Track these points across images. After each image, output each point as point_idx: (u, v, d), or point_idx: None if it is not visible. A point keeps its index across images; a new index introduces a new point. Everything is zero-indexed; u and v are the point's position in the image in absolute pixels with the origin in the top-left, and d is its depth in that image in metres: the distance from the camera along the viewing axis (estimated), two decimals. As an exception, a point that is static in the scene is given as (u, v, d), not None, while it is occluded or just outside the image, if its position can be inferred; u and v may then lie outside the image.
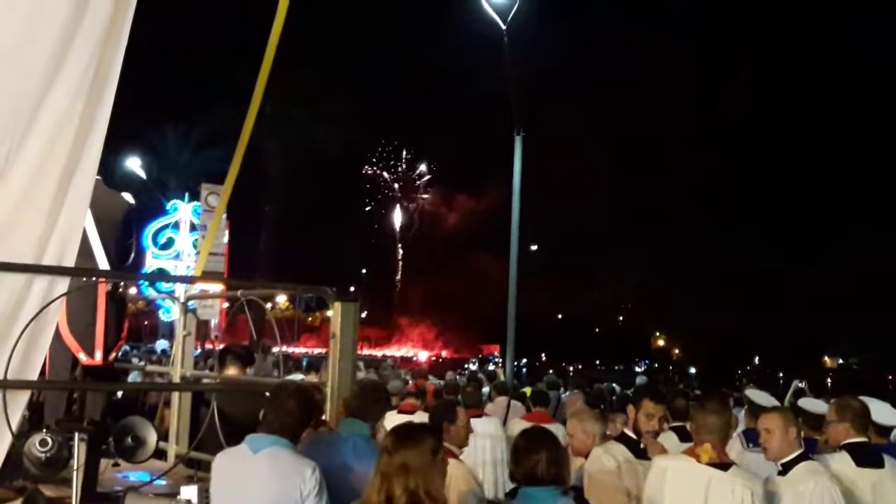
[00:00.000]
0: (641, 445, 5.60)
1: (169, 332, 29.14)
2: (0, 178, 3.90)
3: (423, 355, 51.79)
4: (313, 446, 4.33)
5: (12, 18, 3.90)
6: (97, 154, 4.23)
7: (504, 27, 19.57)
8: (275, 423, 3.95)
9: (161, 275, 26.20)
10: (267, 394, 5.36)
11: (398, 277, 63.57)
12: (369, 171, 60.12)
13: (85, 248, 4.80)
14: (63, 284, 4.11)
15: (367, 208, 60.79)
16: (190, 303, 6.38)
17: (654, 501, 4.87)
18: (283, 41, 6.18)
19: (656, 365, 63.94)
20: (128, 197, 5.83)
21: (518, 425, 7.98)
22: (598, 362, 59.82)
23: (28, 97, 3.95)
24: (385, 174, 61.54)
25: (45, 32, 3.98)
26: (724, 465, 4.74)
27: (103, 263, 5.24)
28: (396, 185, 62.38)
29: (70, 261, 4.19)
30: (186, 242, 29.06)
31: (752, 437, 6.50)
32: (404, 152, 61.48)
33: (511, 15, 19.50)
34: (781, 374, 41.46)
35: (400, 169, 62.01)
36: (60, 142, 4.04)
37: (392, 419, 5.17)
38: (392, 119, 55.64)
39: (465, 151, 54.11)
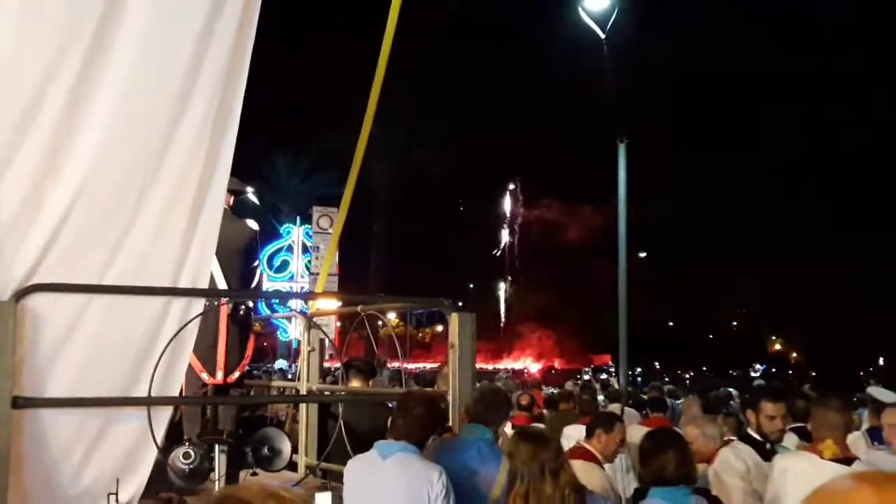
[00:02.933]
0: (768, 447, 5.52)
1: (287, 351, 29.91)
2: (137, 210, 4.17)
3: (533, 367, 51.55)
4: (439, 452, 4.43)
5: (137, 66, 4.15)
6: (224, 184, 4.48)
7: (603, 36, 19.47)
8: (403, 429, 4.05)
9: (283, 292, 26.90)
10: (390, 404, 5.52)
11: (506, 290, 63.51)
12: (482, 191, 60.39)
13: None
14: (198, 306, 4.36)
15: (473, 222, 60.89)
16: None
17: (779, 498, 4.82)
18: (390, 64, 6.35)
19: (773, 370, 61.98)
20: (252, 224, 6.05)
21: (636, 431, 7.94)
22: (704, 368, 58.23)
23: (159, 133, 4.22)
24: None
25: (173, 68, 4.23)
26: (847, 460, 4.67)
27: (222, 286, 5.46)
28: (504, 200, 62.48)
29: (203, 283, 4.44)
30: (300, 264, 29.88)
31: (876, 436, 6.34)
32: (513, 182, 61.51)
33: (610, 23, 19.39)
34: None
35: (507, 186, 62.10)
36: (191, 174, 4.29)
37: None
38: (495, 135, 55.82)
39: (571, 161, 53.84)
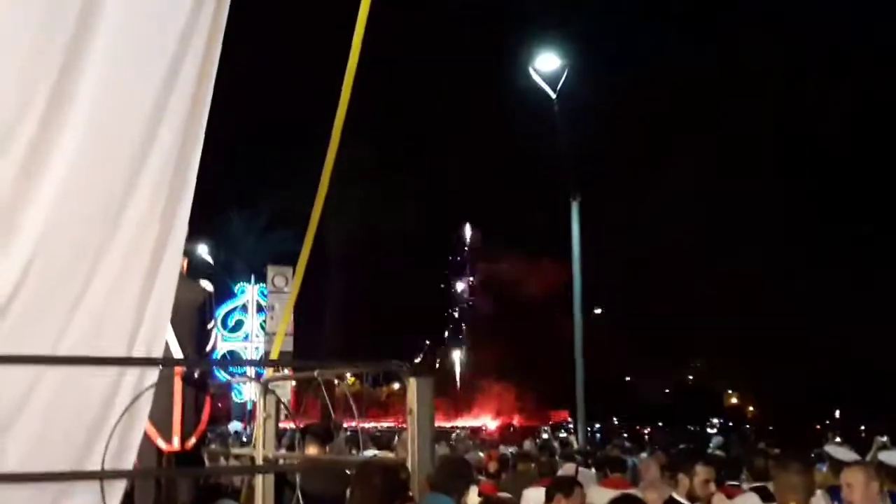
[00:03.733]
0: None
1: (241, 413, 29.46)
2: (92, 273, 4.10)
3: (491, 424, 51.31)
4: None
5: (96, 120, 4.11)
6: (180, 246, 4.41)
7: (554, 96, 19.83)
8: (361, 502, 3.99)
9: (240, 359, 26.59)
10: (348, 472, 5.44)
11: (462, 346, 63.41)
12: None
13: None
14: (153, 374, 4.27)
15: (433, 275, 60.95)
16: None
17: None
18: (346, 122, 6.37)
19: (730, 423, 62.34)
20: (206, 285, 5.99)
21: (597, 493, 7.91)
22: (660, 424, 58.35)
23: (115, 193, 4.14)
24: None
25: (127, 127, 4.17)
26: None
27: (176, 350, 5.38)
28: (458, 258, 62.73)
29: (158, 351, 4.35)
30: (254, 324, 29.62)
31: (835, 494, 6.39)
32: (466, 227, 61.78)
33: (560, 84, 19.76)
34: (863, 428, 40.19)
35: (462, 242, 62.43)
36: (147, 235, 4.22)
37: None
38: (452, 192, 56.25)
39: (527, 218, 54.36)
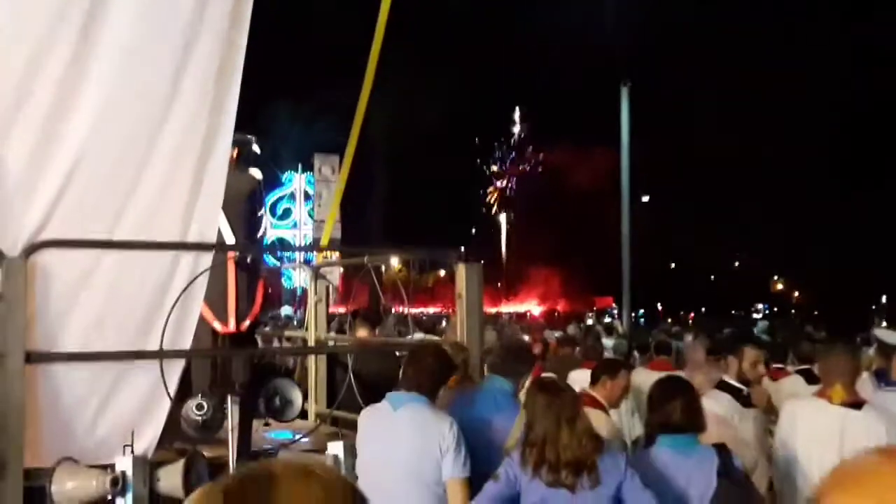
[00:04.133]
0: (744, 393, 5.54)
1: (291, 298, 30.07)
2: (143, 165, 4.17)
3: (535, 311, 51.80)
4: (455, 400, 4.48)
5: (141, 15, 4.12)
6: (229, 137, 4.46)
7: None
8: (413, 380, 4.07)
9: (294, 245, 26.84)
10: (397, 353, 5.56)
11: (507, 234, 63.54)
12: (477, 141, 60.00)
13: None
14: (207, 259, 4.37)
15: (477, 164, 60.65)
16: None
17: (788, 445, 4.86)
18: (391, 14, 6.28)
19: (775, 309, 62.25)
20: (255, 173, 6.03)
21: (641, 374, 7.99)
22: (703, 309, 58.38)
23: (160, 90, 4.19)
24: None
25: (172, 25, 4.20)
26: (856, 404, 4.72)
27: (229, 237, 5.46)
28: (506, 147, 62.23)
29: (211, 237, 4.45)
30: (302, 212, 29.95)
31: (883, 377, 6.38)
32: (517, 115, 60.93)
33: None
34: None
35: (511, 131, 61.79)
36: (194, 130, 4.28)
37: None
38: (498, 84, 55.35)
39: (577, 105, 53.56)
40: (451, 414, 4.40)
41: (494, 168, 62.87)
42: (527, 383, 4.38)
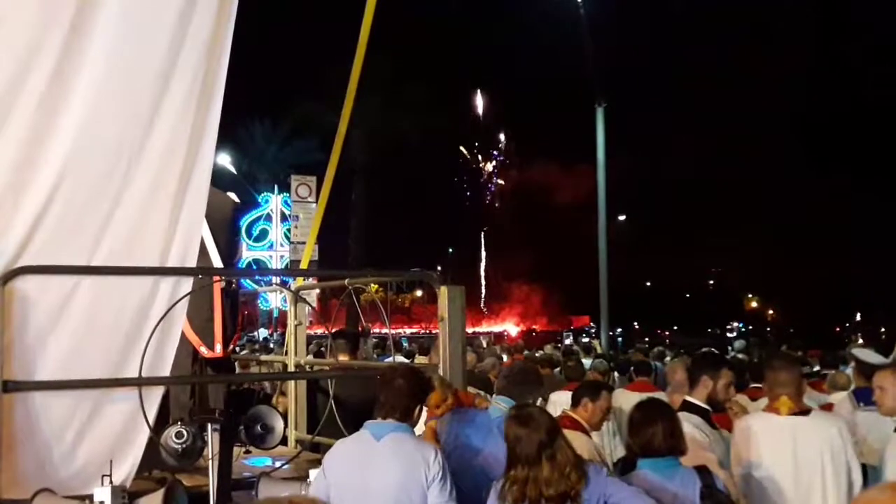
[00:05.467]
0: (722, 413, 5.54)
1: (268, 320, 29.91)
2: (123, 188, 4.14)
3: (513, 331, 51.79)
4: (452, 422, 4.47)
5: (123, 35, 4.10)
6: (210, 157, 4.44)
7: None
8: (388, 405, 4.00)
9: (274, 269, 26.73)
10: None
11: (485, 253, 63.67)
12: (462, 154, 60.16)
13: (201, 248, 5.01)
14: (187, 284, 4.33)
15: (455, 182, 60.81)
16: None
17: (743, 459, 4.93)
18: (372, 32, 6.29)
19: (750, 327, 62.66)
20: (232, 196, 6.05)
21: (622, 396, 8.01)
22: (675, 328, 58.63)
23: (142, 112, 4.17)
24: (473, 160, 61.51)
25: (154, 46, 4.18)
26: (804, 412, 4.90)
27: (217, 261, 5.44)
28: (482, 164, 62.44)
29: (192, 261, 4.41)
30: (279, 233, 29.83)
31: (861, 397, 6.43)
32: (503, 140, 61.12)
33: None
34: (884, 330, 40.29)
35: (490, 150, 62.06)
36: (176, 149, 4.26)
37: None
38: (477, 97, 55.63)
39: (552, 126, 53.92)
40: (449, 439, 4.38)
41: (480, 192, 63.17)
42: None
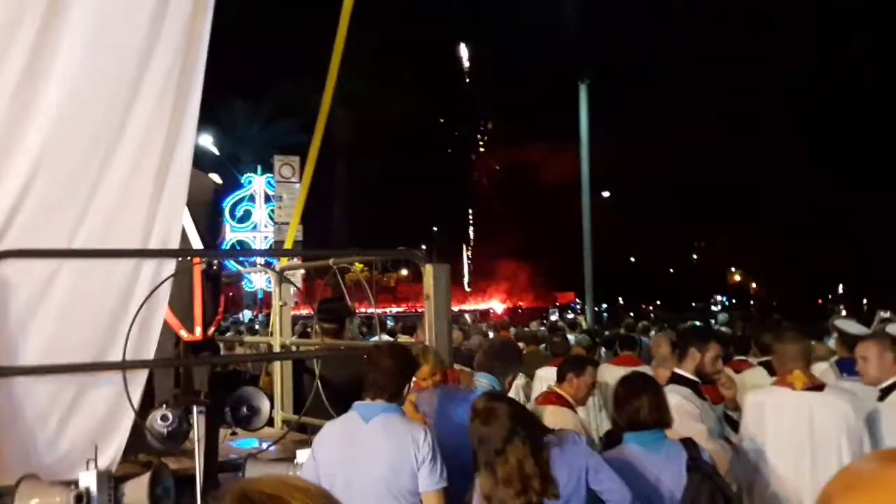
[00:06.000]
0: (710, 385, 5.57)
1: (252, 301, 29.86)
2: (102, 171, 4.10)
3: (499, 308, 51.90)
4: (440, 398, 4.46)
5: (96, 27, 4.05)
6: (192, 139, 4.40)
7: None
8: (376, 385, 3.98)
9: (258, 250, 26.69)
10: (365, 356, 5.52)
11: (469, 231, 63.67)
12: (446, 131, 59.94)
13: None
14: (170, 266, 4.31)
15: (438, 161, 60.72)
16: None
17: (756, 437, 4.92)
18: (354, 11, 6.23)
19: (734, 301, 63.06)
20: (214, 177, 6.00)
21: (607, 371, 8.04)
22: (658, 302, 58.88)
23: (121, 92, 4.12)
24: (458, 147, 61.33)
25: (133, 26, 4.13)
26: (818, 387, 4.85)
27: (196, 243, 5.40)
28: (467, 144, 62.28)
29: (175, 243, 4.39)
30: (262, 214, 29.78)
31: (844, 367, 6.49)
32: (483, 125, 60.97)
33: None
34: (866, 302, 40.64)
35: (472, 126, 61.84)
36: (157, 130, 4.22)
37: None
38: (456, 80, 55.50)
39: (535, 102, 53.80)
40: (433, 413, 4.38)
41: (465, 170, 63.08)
42: (515, 381, 4.34)
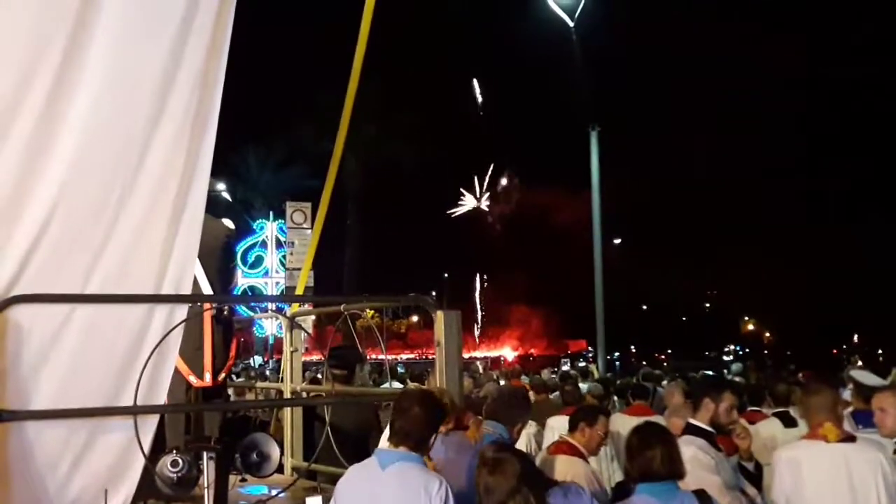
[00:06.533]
0: (724, 435, 5.50)
1: (263, 347, 29.81)
2: (117, 215, 4.12)
3: (510, 355, 51.64)
4: (448, 447, 4.43)
5: (116, 68, 4.10)
6: (205, 183, 4.43)
7: (572, 24, 19.56)
8: (401, 432, 3.93)
9: (269, 296, 26.72)
10: (376, 403, 5.50)
11: (480, 279, 63.54)
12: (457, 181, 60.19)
13: (191, 276, 4.97)
14: (182, 311, 4.31)
15: (449, 211, 60.88)
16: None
17: (794, 495, 4.85)
18: (365, 59, 6.32)
19: (747, 350, 62.58)
20: (228, 223, 6.01)
21: (620, 420, 7.98)
22: (669, 351, 58.51)
23: (137, 135, 4.16)
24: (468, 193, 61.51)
25: (147, 77, 4.17)
26: (850, 438, 4.81)
27: (206, 289, 5.41)
28: (478, 190, 62.37)
29: (187, 288, 4.39)
30: (274, 260, 29.88)
31: (861, 419, 6.41)
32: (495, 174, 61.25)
33: (578, 12, 19.47)
34: (881, 352, 40.29)
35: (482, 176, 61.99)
36: (171, 174, 4.24)
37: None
38: (471, 127, 55.85)
39: (546, 149, 54.12)
40: (445, 461, 4.34)
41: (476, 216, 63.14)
42: (526, 430, 4.30)
